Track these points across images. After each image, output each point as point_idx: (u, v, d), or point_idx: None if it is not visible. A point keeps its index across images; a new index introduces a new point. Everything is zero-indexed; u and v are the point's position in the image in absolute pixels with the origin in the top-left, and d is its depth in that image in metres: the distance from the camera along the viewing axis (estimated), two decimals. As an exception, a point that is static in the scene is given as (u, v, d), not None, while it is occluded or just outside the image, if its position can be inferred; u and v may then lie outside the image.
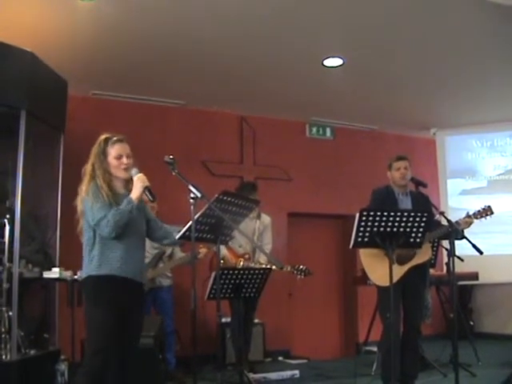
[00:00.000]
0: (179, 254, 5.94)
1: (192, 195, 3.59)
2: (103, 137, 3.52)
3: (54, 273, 5.21)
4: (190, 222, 3.64)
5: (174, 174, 3.65)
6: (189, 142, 7.53)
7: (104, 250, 3.37)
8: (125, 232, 3.38)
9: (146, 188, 3.41)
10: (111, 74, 6.47)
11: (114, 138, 3.50)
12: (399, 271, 4.45)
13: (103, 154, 3.46)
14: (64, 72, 5.62)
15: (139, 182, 3.40)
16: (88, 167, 3.47)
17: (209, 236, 3.93)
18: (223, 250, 5.78)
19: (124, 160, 3.47)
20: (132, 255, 3.45)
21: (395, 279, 4.22)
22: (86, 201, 3.37)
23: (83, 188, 3.43)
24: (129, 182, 3.50)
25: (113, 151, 3.46)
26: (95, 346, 3.33)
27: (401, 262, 4.50)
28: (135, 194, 3.38)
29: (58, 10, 4.87)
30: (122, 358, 3.43)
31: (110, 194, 3.39)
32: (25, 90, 5.02)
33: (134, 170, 3.46)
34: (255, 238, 5.98)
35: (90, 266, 3.38)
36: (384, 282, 4.19)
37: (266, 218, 6.16)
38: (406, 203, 4.76)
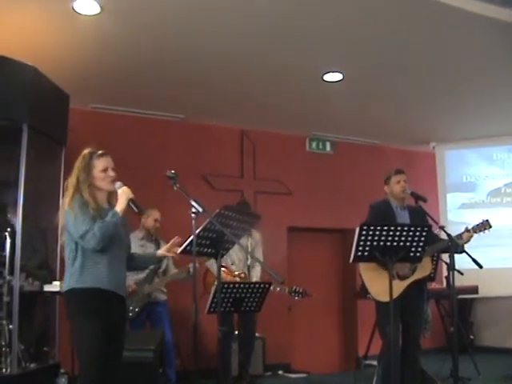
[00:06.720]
0: (173, 269, 5.91)
1: (193, 210, 3.60)
2: (87, 151, 3.50)
3: (55, 286, 5.21)
4: (192, 237, 3.65)
5: (175, 188, 3.66)
6: (189, 156, 7.55)
7: (86, 263, 3.33)
8: (108, 245, 3.34)
9: (130, 200, 3.38)
10: (111, 88, 6.50)
11: (99, 152, 3.50)
12: (400, 286, 4.44)
13: (88, 167, 3.44)
14: (64, 85, 5.65)
15: (124, 194, 3.39)
16: (72, 180, 3.42)
17: (210, 250, 3.94)
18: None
19: (110, 173, 3.47)
20: (114, 268, 3.41)
21: (396, 294, 4.21)
22: (69, 214, 3.32)
23: (66, 201, 3.38)
24: (111, 196, 3.49)
25: (99, 164, 3.44)
26: (87, 359, 3.27)
27: (402, 278, 4.50)
28: (120, 206, 3.36)
29: (59, 23, 4.92)
30: (110, 377, 3.35)
31: (95, 207, 3.37)
32: (27, 104, 5.06)
33: (118, 184, 3.44)
34: (248, 255, 5.93)
35: (73, 278, 3.33)
36: (384, 297, 4.17)
37: (256, 234, 6.11)
38: (404, 217, 4.76)
